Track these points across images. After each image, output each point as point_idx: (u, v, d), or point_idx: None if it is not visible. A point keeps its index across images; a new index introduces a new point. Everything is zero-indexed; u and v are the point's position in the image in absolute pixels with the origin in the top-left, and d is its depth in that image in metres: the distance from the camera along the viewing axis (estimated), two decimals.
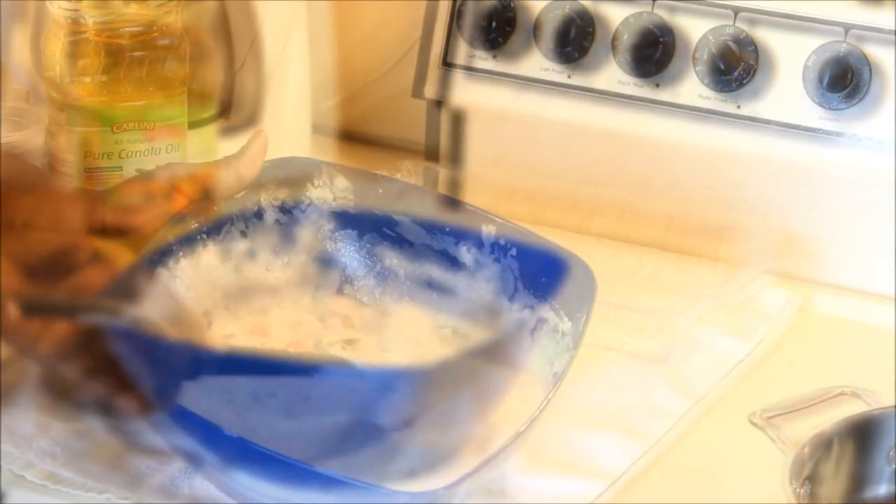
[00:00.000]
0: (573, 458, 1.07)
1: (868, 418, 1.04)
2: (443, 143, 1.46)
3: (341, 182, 1.14)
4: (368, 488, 0.92)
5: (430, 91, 1.44)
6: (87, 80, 1.25)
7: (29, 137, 1.29)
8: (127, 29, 1.25)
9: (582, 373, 1.15)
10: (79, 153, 1.26)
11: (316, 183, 1.14)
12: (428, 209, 1.14)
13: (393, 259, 1.14)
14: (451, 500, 0.94)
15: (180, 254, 1.09)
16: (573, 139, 1.41)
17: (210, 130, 1.44)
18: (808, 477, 1.01)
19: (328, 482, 0.93)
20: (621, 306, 1.22)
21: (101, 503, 1.02)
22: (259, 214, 1.13)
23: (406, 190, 1.16)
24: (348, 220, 1.14)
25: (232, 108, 1.46)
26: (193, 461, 0.99)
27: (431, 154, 1.46)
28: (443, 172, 1.42)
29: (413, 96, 1.45)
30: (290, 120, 1.49)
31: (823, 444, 1.02)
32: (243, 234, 1.12)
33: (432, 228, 1.13)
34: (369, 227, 1.14)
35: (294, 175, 1.14)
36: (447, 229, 1.13)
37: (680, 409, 1.15)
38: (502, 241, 1.11)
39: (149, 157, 1.27)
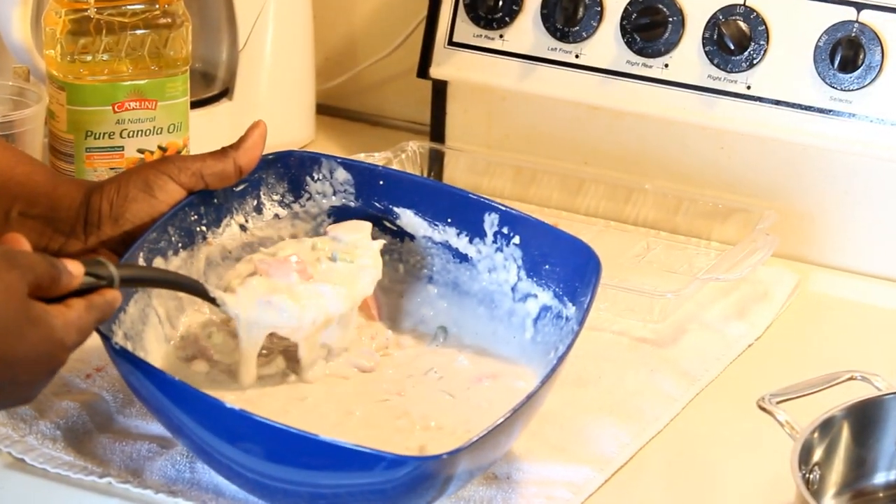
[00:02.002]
0: (579, 445, 1.06)
1: (877, 402, 1.03)
2: (448, 123, 1.45)
3: (341, 175, 1.13)
4: (375, 455, 0.92)
5: (435, 71, 1.43)
6: (88, 58, 1.24)
7: (29, 117, 1.28)
8: (129, 7, 1.24)
9: (587, 357, 1.15)
10: (80, 133, 1.25)
11: (315, 177, 1.13)
12: (430, 200, 1.12)
13: (394, 254, 1.13)
14: (455, 468, 0.94)
15: (179, 245, 1.08)
16: (581, 120, 1.40)
17: (213, 110, 1.44)
18: (817, 462, 1.00)
19: (334, 451, 0.92)
20: (625, 289, 1.21)
21: (101, 487, 1.01)
22: (258, 209, 1.12)
23: (407, 180, 1.14)
24: (349, 215, 1.13)
25: (235, 89, 1.45)
26: (194, 444, 0.98)
27: (437, 134, 1.45)
28: (448, 153, 1.41)
29: (418, 76, 1.44)
30: (293, 100, 1.48)
31: (832, 429, 1.01)
32: (243, 228, 1.11)
33: (434, 220, 1.12)
34: (370, 221, 1.13)
35: (293, 169, 1.13)
36: (449, 220, 1.12)
37: (686, 394, 1.14)
38: (505, 230, 1.10)
39: (151, 136, 1.26)
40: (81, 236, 1.06)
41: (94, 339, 0.98)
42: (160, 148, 1.27)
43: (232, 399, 1.02)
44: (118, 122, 1.25)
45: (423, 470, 0.93)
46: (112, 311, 0.96)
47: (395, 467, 0.93)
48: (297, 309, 1.05)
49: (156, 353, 1.06)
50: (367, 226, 1.11)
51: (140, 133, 1.26)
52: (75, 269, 0.94)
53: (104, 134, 1.26)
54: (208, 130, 1.35)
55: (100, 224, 1.06)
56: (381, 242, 1.10)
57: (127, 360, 0.98)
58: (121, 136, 1.26)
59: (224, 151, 1.08)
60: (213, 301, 1.04)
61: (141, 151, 1.27)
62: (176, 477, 1.01)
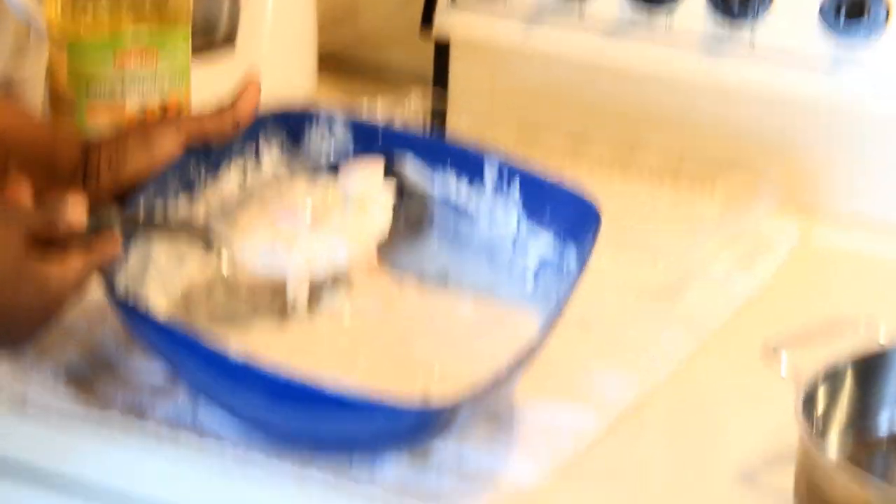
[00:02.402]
0: (580, 390, 1.06)
1: (880, 352, 1.03)
2: (451, 82, 1.44)
3: (340, 128, 1.13)
4: (379, 406, 0.92)
5: (438, 29, 1.43)
6: (89, 13, 1.23)
7: (30, 73, 1.28)
8: None
9: (589, 308, 1.14)
10: (81, 88, 1.25)
11: (314, 130, 1.13)
12: (429, 151, 1.12)
13: (393, 206, 1.12)
14: (455, 418, 0.95)
15: (178, 199, 1.08)
16: (584, 74, 1.40)
17: (215, 63, 1.43)
18: (820, 411, 1.00)
19: (338, 402, 0.93)
20: (628, 241, 1.20)
21: (103, 433, 1.01)
22: (257, 162, 1.12)
23: (407, 133, 1.14)
24: None
25: (237, 42, 1.45)
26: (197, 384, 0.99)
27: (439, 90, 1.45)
28: (451, 106, 1.41)
29: (421, 36, 1.43)
30: (296, 52, 1.48)
31: (836, 379, 1.01)
32: (242, 182, 1.11)
33: (433, 172, 1.12)
34: None
35: (292, 122, 1.12)
36: (449, 171, 1.11)
37: (690, 345, 1.14)
38: (505, 180, 1.10)
39: (152, 90, 1.26)
40: (80, 191, 1.06)
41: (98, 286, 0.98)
42: (162, 101, 1.27)
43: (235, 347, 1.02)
44: (119, 76, 1.25)
45: (426, 418, 0.94)
46: (111, 260, 0.96)
47: (397, 415, 0.93)
48: (302, 258, 1.05)
49: (157, 306, 1.05)
50: (379, 165, 1.11)
51: (142, 87, 1.26)
52: (75, 211, 0.94)
53: (105, 89, 1.25)
54: (210, 84, 1.35)
55: (98, 178, 1.06)
56: (392, 184, 1.10)
57: (128, 308, 0.98)
58: (122, 90, 1.26)
59: (220, 106, 1.08)
60: (217, 247, 1.04)
61: (143, 105, 1.26)
62: (179, 421, 1.01)
